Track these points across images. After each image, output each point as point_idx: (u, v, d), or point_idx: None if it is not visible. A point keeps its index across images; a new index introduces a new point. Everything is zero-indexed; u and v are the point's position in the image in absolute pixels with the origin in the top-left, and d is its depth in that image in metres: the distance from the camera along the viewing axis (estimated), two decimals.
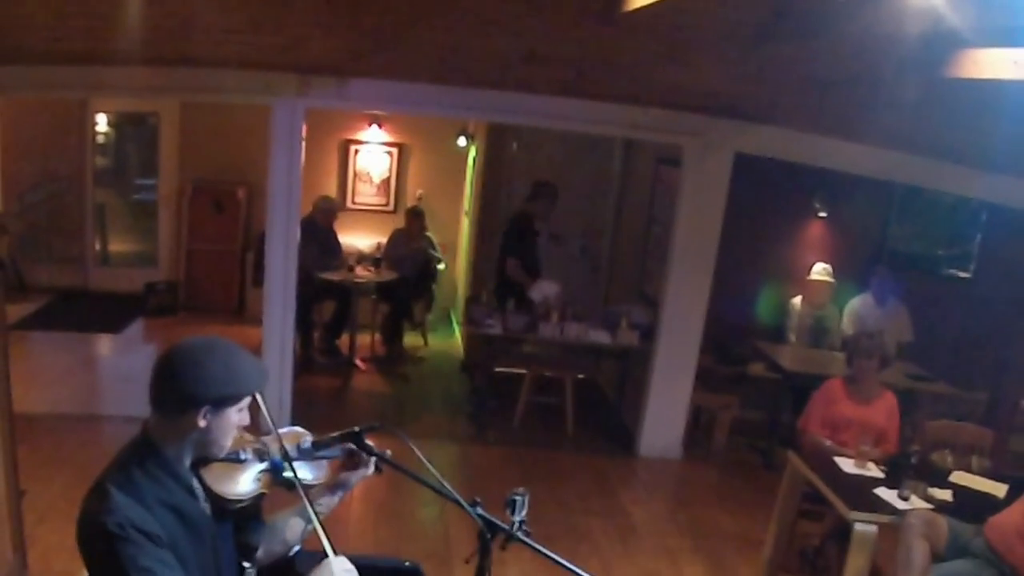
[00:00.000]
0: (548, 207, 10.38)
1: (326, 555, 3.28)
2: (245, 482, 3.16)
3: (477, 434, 9.48)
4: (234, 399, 3.03)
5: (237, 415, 3.07)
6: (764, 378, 9.72)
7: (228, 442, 3.10)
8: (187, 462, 3.07)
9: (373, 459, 3.39)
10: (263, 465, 3.22)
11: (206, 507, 3.10)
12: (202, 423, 2.97)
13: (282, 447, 3.23)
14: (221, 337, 3.14)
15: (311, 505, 3.17)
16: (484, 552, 3.12)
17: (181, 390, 2.93)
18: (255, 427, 3.25)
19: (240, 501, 3.15)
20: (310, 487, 3.35)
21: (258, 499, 3.26)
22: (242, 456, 3.16)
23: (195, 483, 3.08)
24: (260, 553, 3.39)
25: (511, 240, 10.45)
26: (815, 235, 10.75)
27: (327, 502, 3.43)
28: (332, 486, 3.44)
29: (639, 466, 9.16)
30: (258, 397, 3.14)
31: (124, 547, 2.77)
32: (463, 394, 10.88)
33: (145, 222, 13.92)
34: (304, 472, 3.32)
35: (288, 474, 3.22)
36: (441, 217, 13.59)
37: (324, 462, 3.42)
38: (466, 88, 8.14)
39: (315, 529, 3.11)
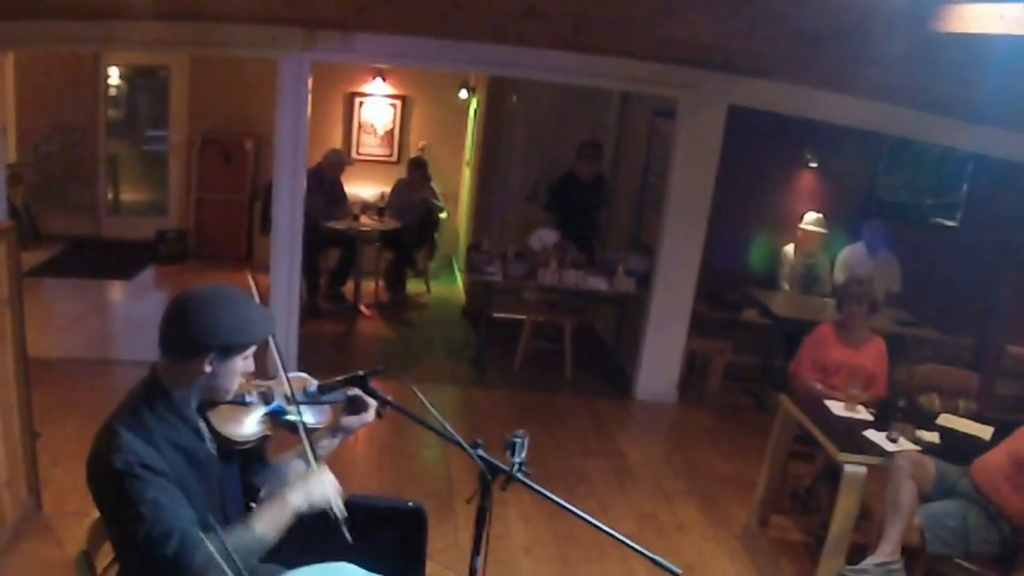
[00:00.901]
0: (590, 165, 10.34)
1: None
2: (250, 424, 3.15)
3: (478, 378, 9.46)
4: (240, 347, 3.02)
5: (243, 362, 3.05)
6: (757, 324, 9.72)
7: (234, 387, 3.10)
8: (194, 404, 3.06)
9: (374, 406, 3.37)
10: (268, 408, 3.21)
11: (212, 448, 3.10)
12: (208, 369, 2.96)
13: (287, 391, 3.20)
14: (230, 285, 3.10)
15: (311, 449, 3.16)
16: (485, 493, 3.11)
17: (188, 336, 2.92)
18: (262, 371, 3.22)
19: (245, 443, 3.14)
20: (313, 430, 3.33)
21: (262, 441, 3.26)
22: (247, 399, 3.16)
23: (202, 425, 3.09)
24: (263, 493, 3.39)
25: (552, 198, 10.53)
26: (806, 185, 10.71)
27: (328, 444, 3.41)
28: (333, 429, 3.42)
29: (635, 409, 9.16)
30: (271, 342, 3.14)
31: (131, 483, 2.77)
32: (464, 339, 10.87)
33: (156, 172, 13.87)
34: (307, 416, 3.30)
35: (291, 417, 3.21)
36: (443, 167, 13.52)
37: (327, 407, 3.40)
38: (467, 42, 8.07)
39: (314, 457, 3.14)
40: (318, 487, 3.01)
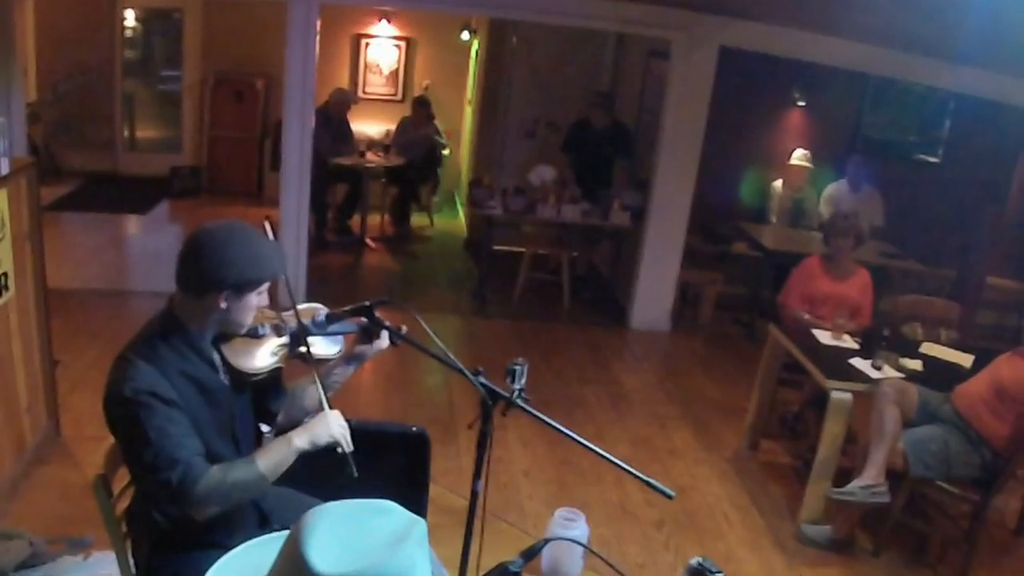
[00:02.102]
0: (600, 114, 10.22)
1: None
2: (263, 356, 3.09)
3: (479, 308, 9.42)
4: (253, 284, 2.95)
5: (256, 298, 2.99)
6: (747, 256, 9.69)
7: (248, 321, 3.04)
8: (209, 338, 3.02)
9: (387, 334, 3.30)
10: (281, 340, 3.15)
11: (225, 379, 3.06)
12: (223, 305, 2.91)
13: (299, 323, 3.15)
14: (243, 223, 3.03)
15: (320, 379, 3.12)
16: (486, 418, 3.02)
17: (203, 273, 2.86)
18: (274, 303, 3.17)
19: (258, 374, 3.09)
20: (326, 360, 3.30)
21: (275, 372, 3.20)
22: (261, 332, 3.09)
23: (216, 357, 3.04)
24: (280, 418, 3.37)
25: (568, 141, 10.48)
26: (794, 123, 10.66)
27: (342, 372, 3.36)
28: (347, 358, 3.36)
29: (630, 338, 9.13)
30: (283, 278, 3.08)
31: (141, 410, 2.74)
32: (466, 271, 10.83)
33: (170, 110, 13.77)
34: (321, 347, 3.27)
35: (303, 349, 3.16)
36: (446, 106, 13.38)
37: (340, 337, 3.34)
38: None
39: (325, 397, 3.09)
40: (323, 429, 2.96)
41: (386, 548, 1.46)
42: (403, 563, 1.46)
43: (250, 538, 3.00)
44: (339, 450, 2.97)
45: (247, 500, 3.00)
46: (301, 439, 2.93)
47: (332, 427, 2.96)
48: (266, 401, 3.33)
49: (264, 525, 3.25)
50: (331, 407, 3.03)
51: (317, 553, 1.43)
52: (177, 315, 2.96)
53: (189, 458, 2.77)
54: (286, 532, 1.73)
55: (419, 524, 1.53)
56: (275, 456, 2.91)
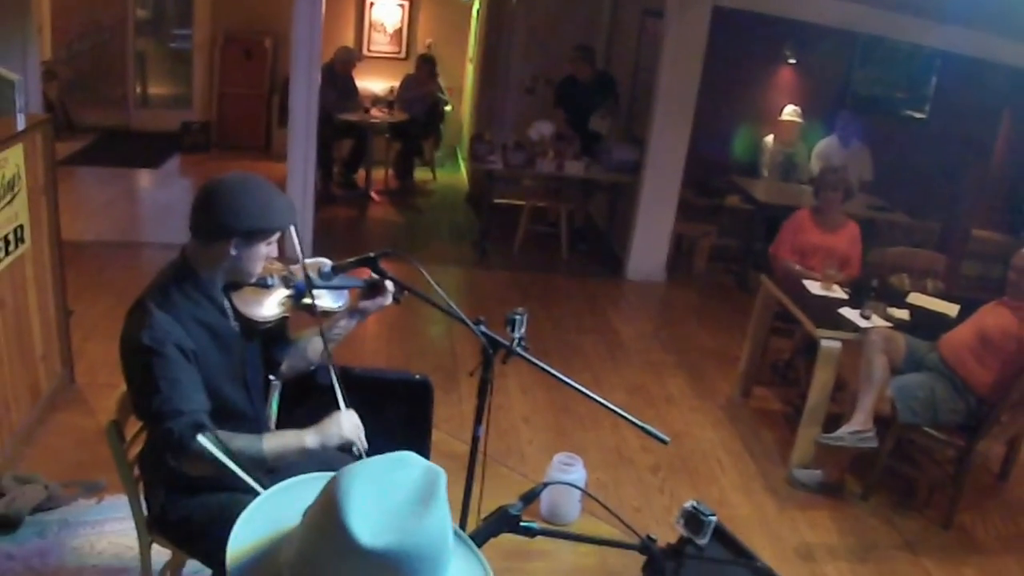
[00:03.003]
0: (581, 67, 10.10)
1: (345, 368, 3.40)
2: (270, 306, 3.09)
3: (480, 260, 9.38)
4: (263, 233, 2.94)
5: (266, 248, 2.98)
6: (739, 209, 9.68)
7: (257, 270, 3.03)
8: (219, 285, 3.01)
9: (391, 291, 3.31)
10: (288, 291, 3.14)
11: (235, 326, 3.05)
12: (233, 252, 2.90)
13: (307, 275, 3.13)
14: (256, 174, 3.03)
15: (324, 334, 3.11)
16: (487, 366, 3.09)
17: (215, 220, 2.86)
18: (282, 256, 3.16)
19: (265, 323, 3.08)
20: (331, 312, 3.29)
21: (282, 321, 3.21)
22: (269, 282, 3.09)
23: (226, 304, 3.04)
24: (284, 368, 3.37)
25: (558, 97, 10.41)
26: (785, 80, 10.63)
27: (345, 325, 3.35)
28: (351, 311, 3.35)
29: (627, 288, 9.09)
30: (291, 230, 3.05)
31: (155, 359, 2.75)
32: (468, 223, 10.78)
33: (181, 68, 13.63)
34: (327, 300, 3.26)
35: (308, 301, 3.15)
36: (448, 64, 13.28)
37: (345, 291, 3.33)
38: None
39: (330, 354, 3.08)
40: (335, 430, 2.90)
41: (419, 507, 1.44)
42: (436, 524, 1.45)
43: (256, 480, 3.03)
44: (354, 451, 2.94)
45: (240, 471, 2.98)
46: (312, 438, 2.89)
47: (344, 428, 2.91)
48: (272, 351, 3.32)
49: (270, 471, 3.24)
50: (347, 405, 2.98)
51: (358, 521, 1.39)
52: (189, 262, 2.97)
53: (194, 413, 2.76)
54: (309, 477, 1.72)
55: (441, 475, 1.51)
56: (283, 443, 2.87)
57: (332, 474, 1.52)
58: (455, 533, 1.64)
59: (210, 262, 2.95)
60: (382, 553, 1.40)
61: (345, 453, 2.95)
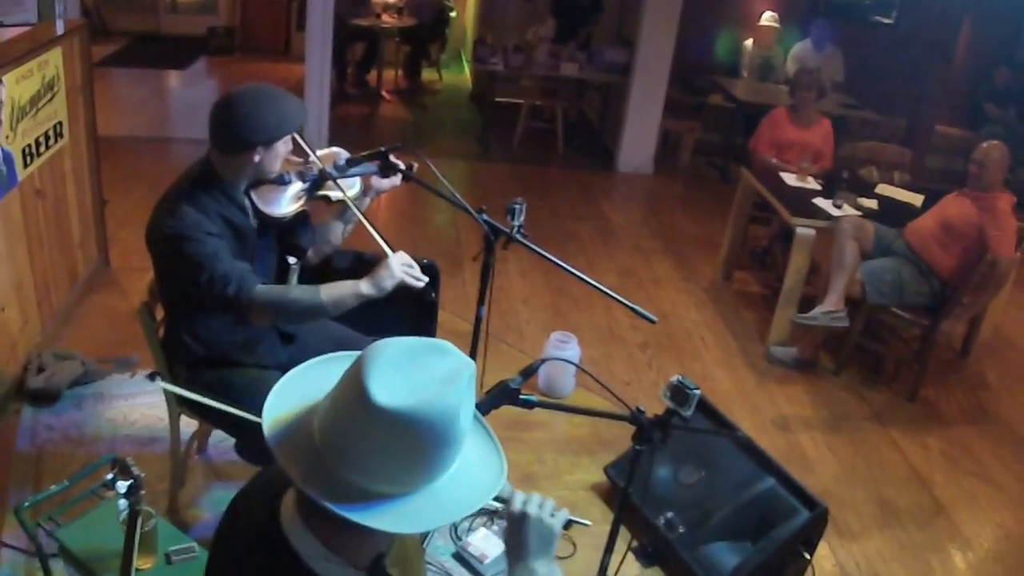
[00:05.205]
0: None
1: (357, 253, 3.61)
2: (288, 202, 3.06)
3: (482, 153, 9.28)
4: (281, 136, 2.91)
5: (284, 147, 2.95)
6: (721, 107, 9.60)
7: (277, 167, 2.99)
8: (243, 188, 2.98)
9: (401, 171, 3.27)
10: (305, 185, 3.10)
11: (254, 222, 3.04)
12: (256, 159, 2.88)
13: (321, 168, 3.10)
14: (267, 85, 2.97)
15: (357, 209, 3.15)
16: (489, 251, 3.14)
17: (238, 135, 2.84)
18: (299, 152, 3.11)
19: (283, 219, 3.07)
20: (346, 199, 3.22)
21: (300, 215, 3.17)
22: (287, 179, 3.03)
23: (247, 202, 3.01)
24: (310, 253, 3.37)
25: (555, 6, 10.21)
26: None
27: (359, 204, 3.30)
28: (365, 190, 3.33)
29: (617, 180, 9.01)
30: (297, 137, 3.00)
31: (189, 244, 2.78)
32: (471, 120, 10.67)
33: None
34: (342, 189, 3.20)
35: (323, 192, 3.14)
36: None
37: (358, 180, 3.28)
38: None
39: (361, 225, 3.15)
40: (387, 273, 2.89)
41: (440, 384, 1.42)
42: (452, 400, 1.42)
43: (275, 355, 3.09)
44: (413, 288, 2.94)
45: (305, 320, 3.09)
46: (367, 286, 2.89)
47: (396, 271, 2.91)
48: (295, 238, 3.31)
49: (288, 343, 3.26)
50: (393, 250, 2.96)
51: (377, 384, 1.37)
52: (215, 169, 2.94)
53: (242, 272, 2.82)
54: (342, 355, 1.68)
55: (470, 366, 1.47)
56: (339, 292, 2.87)
57: (359, 353, 1.49)
58: (476, 419, 1.63)
59: (235, 169, 2.93)
60: (394, 412, 1.38)
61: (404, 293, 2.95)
